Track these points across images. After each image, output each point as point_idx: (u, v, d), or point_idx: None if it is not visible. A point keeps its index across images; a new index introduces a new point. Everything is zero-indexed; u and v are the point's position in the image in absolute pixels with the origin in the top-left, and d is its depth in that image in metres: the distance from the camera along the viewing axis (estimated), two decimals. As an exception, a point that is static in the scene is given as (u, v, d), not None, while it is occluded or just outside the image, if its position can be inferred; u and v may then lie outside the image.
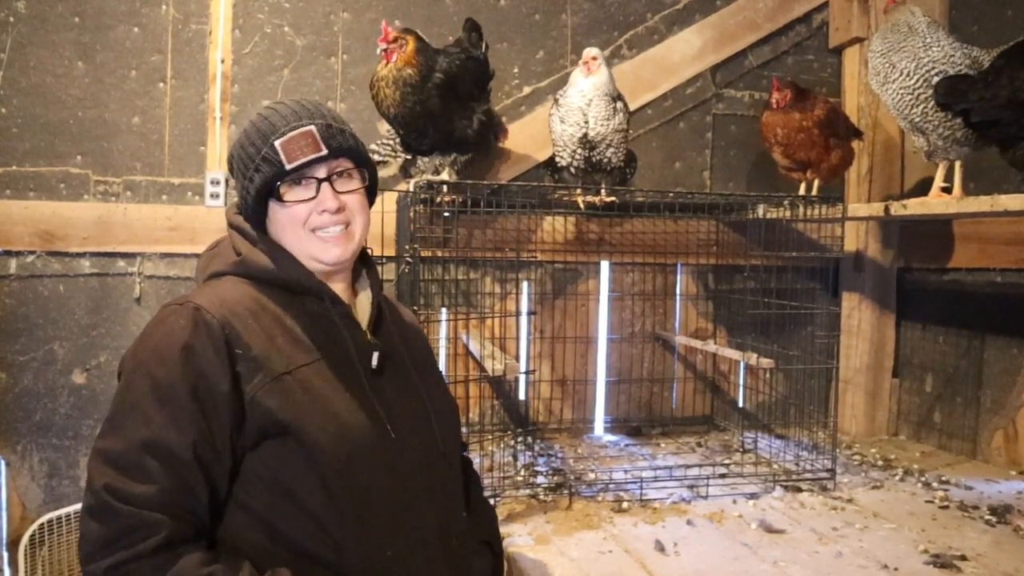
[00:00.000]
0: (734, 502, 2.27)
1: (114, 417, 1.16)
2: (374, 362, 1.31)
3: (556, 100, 2.59)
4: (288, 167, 1.25)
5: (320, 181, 1.28)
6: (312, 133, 1.26)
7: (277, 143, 1.25)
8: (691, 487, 2.35)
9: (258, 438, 1.18)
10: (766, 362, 2.42)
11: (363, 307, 1.39)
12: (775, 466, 2.56)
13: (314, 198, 1.28)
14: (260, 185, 1.27)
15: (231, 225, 1.35)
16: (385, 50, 2.39)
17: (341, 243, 1.30)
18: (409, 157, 2.70)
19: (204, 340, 1.17)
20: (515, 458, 2.60)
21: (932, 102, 2.26)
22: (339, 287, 1.35)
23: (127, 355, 1.22)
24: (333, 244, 1.30)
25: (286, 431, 1.17)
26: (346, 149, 1.30)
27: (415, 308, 2.34)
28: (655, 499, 2.26)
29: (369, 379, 1.29)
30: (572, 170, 2.61)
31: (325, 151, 1.26)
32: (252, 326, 1.21)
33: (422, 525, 1.28)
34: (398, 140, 2.62)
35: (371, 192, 1.38)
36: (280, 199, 1.28)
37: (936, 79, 2.24)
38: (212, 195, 2.66)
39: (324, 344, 1.27)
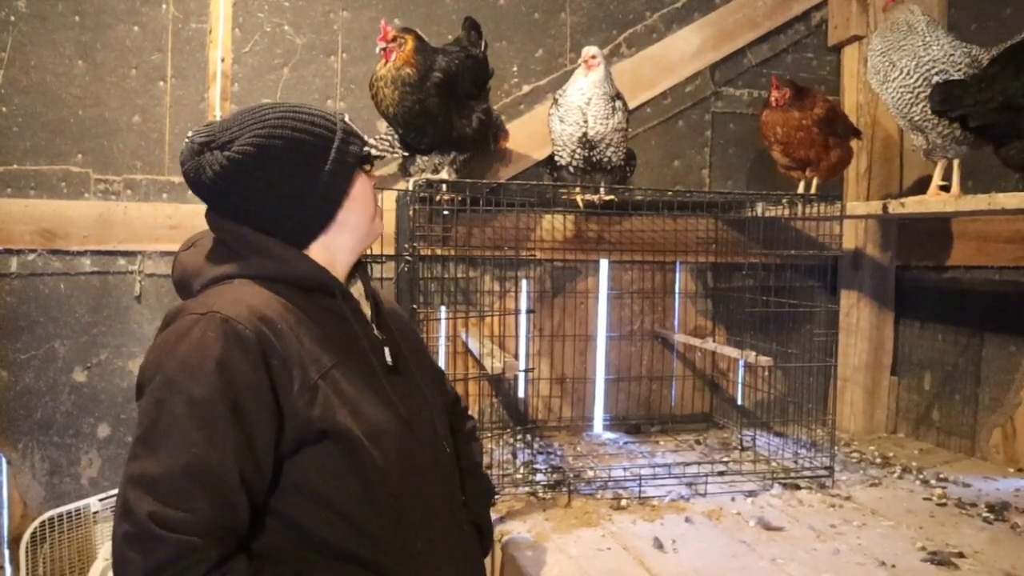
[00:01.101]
0: (732, 500, 2.28)
1: (148, 438, 1.09)
2: (388, 358, 1.32)
3: (555, 99, 2.59)
4: (368, 143, 1.35)
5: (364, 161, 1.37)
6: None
7: (346, 121, 1.32)
8: (690, 485, 2.35)
9: (296, 447, 1.16)
10: (765, 360, 2.43)
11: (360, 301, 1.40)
12: (774, 464, 2.57)
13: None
14: (357, 155, 1.31)
15: (223, 229, 1.28)
16: (384, 49, 2.39)
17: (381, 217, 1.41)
18: (408, 155, 2.70)
19: (239, 353, 1.12)
20: (514, 456, 2.61)
21: (932, 101, 2.26)
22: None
23: (150, 368, 1.15)
24: (380, 217, 1.39)
25: (324, 437, 1.16)
26: None
27: (414, 306, 2.35)
28: (654, 497, 2.27)
29: (386, 375, 1.30)
30: (571, 169, 2.62)
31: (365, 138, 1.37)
32: (284, 333, 1.17)
33: (439, 513, 1.31)
34: (396, 138, 2.62)
35: None
36: (368, 169, 1.35)
37: (936, 78, 2.24)
38: (212, 194, 2.66)
39: (341, 342, 1.26)
